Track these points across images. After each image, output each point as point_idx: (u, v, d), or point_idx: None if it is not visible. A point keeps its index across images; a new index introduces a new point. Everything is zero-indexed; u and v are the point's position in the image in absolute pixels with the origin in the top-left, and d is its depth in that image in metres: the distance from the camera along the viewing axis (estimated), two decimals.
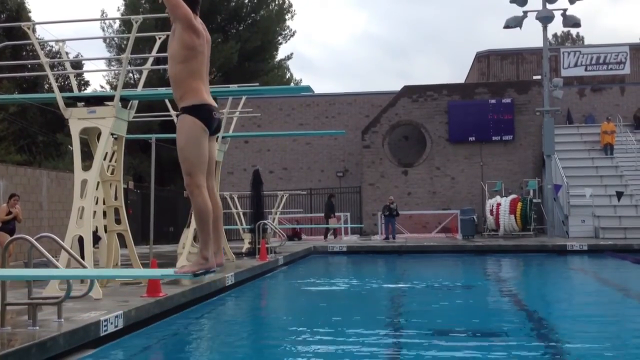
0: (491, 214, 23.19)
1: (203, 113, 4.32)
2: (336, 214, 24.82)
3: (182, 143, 4.32)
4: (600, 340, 7.03)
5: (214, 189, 4.52)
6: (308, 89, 11.57)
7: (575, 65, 29.21)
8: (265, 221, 16.79)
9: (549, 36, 27.14)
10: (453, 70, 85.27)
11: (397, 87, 30.73)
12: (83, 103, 9.42)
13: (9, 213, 12.15)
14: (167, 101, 13.73)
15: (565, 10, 23.21)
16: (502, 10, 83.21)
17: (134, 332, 7.27)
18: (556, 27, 53.11)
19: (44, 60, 9.71)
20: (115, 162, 10.65)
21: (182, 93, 4.36)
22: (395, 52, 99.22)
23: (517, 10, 23.48)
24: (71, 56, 22.28)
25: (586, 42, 49.71)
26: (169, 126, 16.50)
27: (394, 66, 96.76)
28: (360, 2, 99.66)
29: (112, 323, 6.80)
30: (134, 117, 10.56)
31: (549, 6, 23.04)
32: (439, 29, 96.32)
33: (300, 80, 51.31)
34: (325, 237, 24.01)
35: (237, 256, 15.32)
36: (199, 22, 4.44)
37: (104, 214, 10.19)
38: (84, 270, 6.12)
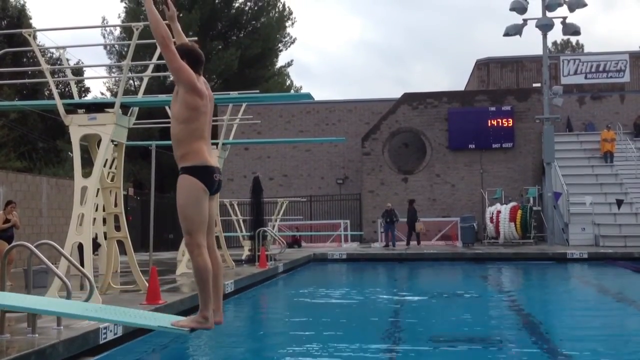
0: (491, 221, 23.17)
1: (204, 174, 4.31)
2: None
3: (182, 202, 4.32)
4: (600, 349, 7.01)
5: (214, 246, 4.49)
6: (308, 96, 11.60)
7: (575, 73, 29.25)
8: (265, 228, 16.78)
9: (549, 44, 27.17)
10: (451, 77, 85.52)
11: (395, 93, 30.87)
12: (83, 110, 9.42)
13: (7, 221, 12.09)
14: (167, 108, 13.73)
15: (565, 18, 23.26)
16: (500, 17, 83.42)
17: (133, 339, 7.25)
18: (556, 35, 53.31)
19: (45, 67, 9.73)
20: (116, 168, 10.66)
21: (183, 153, 4.34)
22: (392, 59, 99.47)
23: (517, 18, 23.56)
24: (72, 63, 22.33)
25: (585, 50, 49.80)
26: (169, 133, 16.47)
27: (392, 73, 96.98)
28: (356, 9, 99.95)
29: (111, 331, 6.77)
30: (134, 124, 10.57)
31: (549, 14, 23.09)
32: (436, 36, 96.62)
33: (301, 87, 51.46)
34: (408, 243, 22.95)
35: (236, 263, 15.30)
36: (202, 82, 4.42)
37: (104, 220, 10.20)
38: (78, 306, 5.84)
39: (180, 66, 4.27)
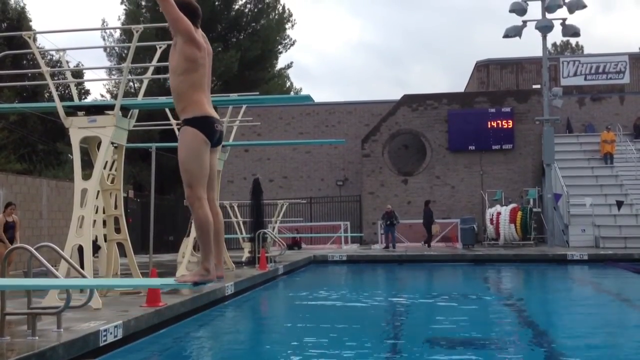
0: (491, 223, 23.16)
1: (205, 125, 4.32)
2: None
3: (183, 155, 4.32)
4: (601, 350, 7.01)
5: (214, 201, 4.52)
6: (308, 98, 11.60)
7: (575, 74, 29.25)
8: (265, 230, 16.77)
9: (549, 45, 27.17)
10: (449, 78, 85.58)
11: (394, 95, 30.88)
12: (83, 112, 9.42)
13: (7, 222, 12.09)
14: (167, 110, 13.74)
15: (564, 19, 23.27)
16: (499, 18, 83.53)
17: (134, 342, 7.25)
18: (556, 36, 53.31)
19: (45, 69, 9.72)
20: (116, 171, 10.65)
21: (183, 105, 4.37)
22: (391, 60, 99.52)
23: (516, 20, 23.55)
24: (71, 65, 22.27)
25: (585, 51, 49.82)
26: (169, 135, 16.51)
27: (390, 74, 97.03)
28: (354, 10, 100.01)
29: (111, 333, 6.77)
30: (134, 126, 10.57)
31: (549, 15, 23.10)
32: (435, 37, 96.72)
33: (301, 89, 51.47)
34: (429, 244, 22.84)
35: (236, 265, 15.29)
36: (200, 35, 4.45)
37: (104, 223, 10.18)
38: (84, 280, 6.09)
39: (179, 16, 4.29)
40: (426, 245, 22.87)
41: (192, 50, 4.33)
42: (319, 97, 69.01)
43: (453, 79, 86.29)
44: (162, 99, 13.22)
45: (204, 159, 4.33)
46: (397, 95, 28.64)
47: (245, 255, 17.47)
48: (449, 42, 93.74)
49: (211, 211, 4.34)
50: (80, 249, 8.90)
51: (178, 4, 4.38)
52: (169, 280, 4.70)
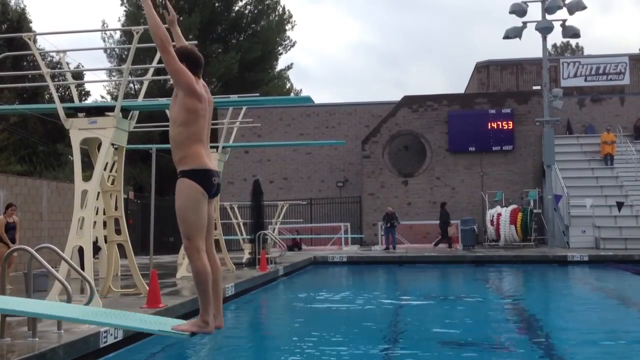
0: (491, 224, 23.16)
1: (203, 178, 4.27)
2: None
3: (181, 206, 4.30)
4: (601, 351, 7.00)
5: (212, 250, 4.47)
6: (308, 99, 11.61)
7: (575, 75, 29.26)
8: (266, 231, 16.78)
9: (549, 46, 27.17)
10: (449, 79, 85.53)
11: (393, 96, 30.93)
12: (84, 113, 9.43)
13: (7, 223, 12.08)
14: (167, 111, 13.72)
15: (564, 20, 23.28)
16: (498, 19, 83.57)
17: (134, 343, 7.24)
18: (556, 37, 53.33)
19: (45, 70, 9.74)
20: (116, 172, 10.66)
21: (181, 156, 4.32)
22: (390, 62, 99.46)
23: (516, 21, 23.56)
24: (72, 66, 22.28)
25: (585, 52, 49.83)
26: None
27: (390, 75, 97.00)
28: (353, 11, 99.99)
29: (111, 334, 6.77)
30: (135, 128, 10.57)
31: (549, 17, 23.10)
32: (434, 39, 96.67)
33: (301, 90, 51.46)
34: (450, 245, 22.48)
35: (237, 266, 15.29)
36: (201, 86, 4.41)
37: (104, 224, 10.20)
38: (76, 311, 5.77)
39: (179, 69, 4.27)
40: (436, 246, 22.65)
41: (193, 102, 4.30)
42: (317, 98, 68.90)
43: (453, 81, 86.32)
44: (163, 101, 13.22)
45: (202, 210, 4.28)
46: (396, 97, 28.58)
47: (246, 256, 17.47)
48: (449, 43, 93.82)
49: (209, 260, 4.29)
50: (81, 250, 8.91)
51: (181, 53, 4.36)
52: (166, 327, 4.50)
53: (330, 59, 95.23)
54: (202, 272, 4.21)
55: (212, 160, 4.51)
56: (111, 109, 9.44)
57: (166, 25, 4.46)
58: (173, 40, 4.50)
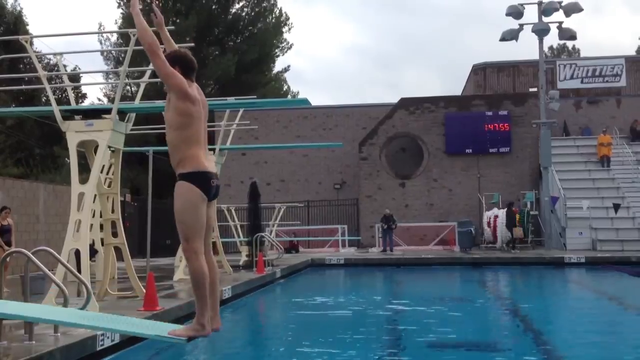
0: (488, 226, 23.17)
1: (201, 180, 4.26)
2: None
3: (179, 208, 4.29)
4: (599, 353, 7.01)
5: (210, 252, 4.47)
6: (305, 101, 11.62)
7: (572, 77, 29.27)
8: (263, 234, 16.76)
9: (545, 48, 27.19)
10: (445, 81, 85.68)
11: (388, 98, 30.97)
12: (80, 116, 9.42)
13: (2, 226, 12.04)
14: (164, 113, 13.70)
15: (561, 23, 23.33)
16: (495, 21, 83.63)
17: (131, 346, 7.23)
18: (552, 39, 53.43)
19: (42, 73, 9.72)
20: (113, 174, 10.65)
21: (179, 159, 4.31)
22: (384, 64, 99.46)
23: (513, 23, 23.61)
24: (68, 69, 22.23)
25: (581, 54, 49.94)
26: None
27: (384, 78, 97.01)
28: (347, 14, 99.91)
29: (108, 337, 6.75)
30: (131, 130, 10.56)
31: (545, 19, 23.16)
32: (430, 41, 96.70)
33: (297, 92, 51.43)
34: (514, 247, 21.77)
35: (234, 269, 15.27)
36: (194, 88, 4.39)
37: (101, 226, 10.17)
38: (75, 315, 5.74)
39: (170, 72, 4.25)
40: (509, 247, 21.90)
41: (186, 106, 4.28)
42: (312, 100, 68.90)
43: (449, 83, 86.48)
44: (159, 103, 13.20)
45: (201, 212, 4.27)
46: (392, 99, 28.61)
47: (243, 258, 17.45)
48: (445, 45, 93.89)
49: (206, 263, 4.28)
50: (78, 253, 8.89)
51: (173, 57, 4.35)
52: (162, 331, 4.47)
53: (325, 62, 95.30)
54: (199, 273, 4.20)
55: (210, 162, 4.50)
56: (108, 111, 9.43)
57: (154, 29, 4.44)
58: (162, 44, 4.49)
